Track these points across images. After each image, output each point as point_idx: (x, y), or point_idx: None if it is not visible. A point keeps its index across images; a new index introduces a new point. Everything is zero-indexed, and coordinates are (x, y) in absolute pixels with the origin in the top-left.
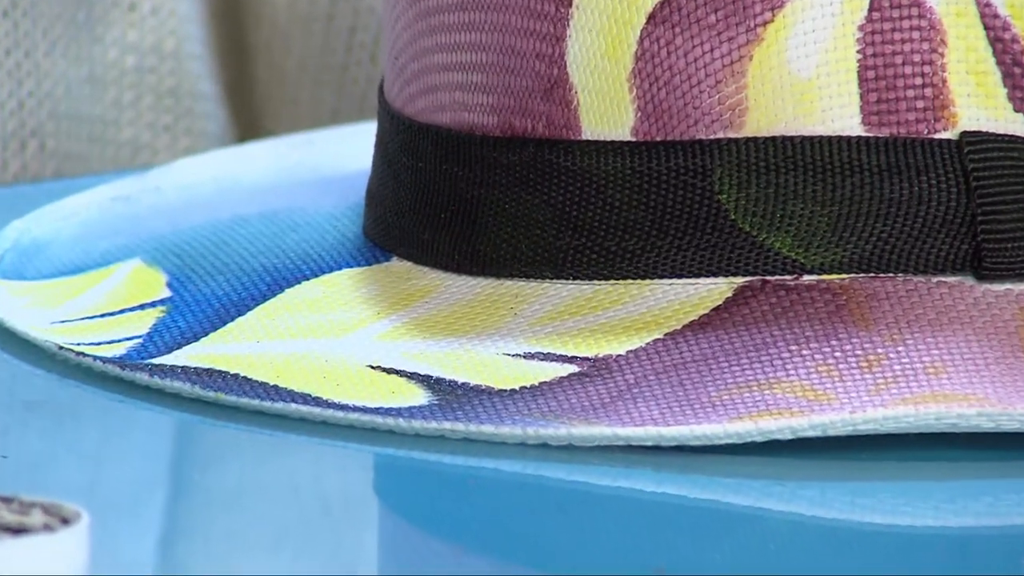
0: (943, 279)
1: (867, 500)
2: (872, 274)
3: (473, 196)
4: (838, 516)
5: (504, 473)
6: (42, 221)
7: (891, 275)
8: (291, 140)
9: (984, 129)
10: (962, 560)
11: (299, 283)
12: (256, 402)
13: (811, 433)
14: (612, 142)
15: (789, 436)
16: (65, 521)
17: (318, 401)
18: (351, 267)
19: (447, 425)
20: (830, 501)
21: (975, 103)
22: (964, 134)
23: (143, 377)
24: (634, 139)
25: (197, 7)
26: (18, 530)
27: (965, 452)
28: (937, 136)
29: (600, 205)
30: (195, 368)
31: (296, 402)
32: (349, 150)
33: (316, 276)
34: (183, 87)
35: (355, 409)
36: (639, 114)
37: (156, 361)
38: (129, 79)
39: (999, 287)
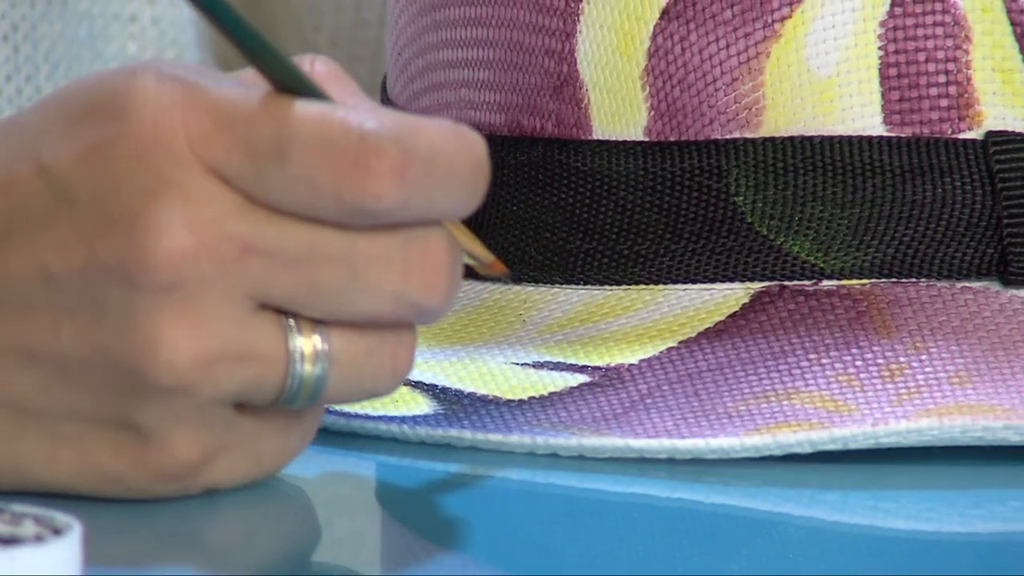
0: (968, 284)
1: (890, 505)
2: (894, 279)
3: None
4: (860, 522)
5: (512, 479)
6: None
7: (914, 280)
8: None
9: (1010, 128)
10: (990, 567)
11: None
12: None
13: (832, 447)
14: (624, 142)
15: (809, 450)
16: (57, 532)
17: None
18: None
19: (453, 432)
20: (851, 506)
21: (1001, 101)
22: (990, 134)
23: None
24: (647, 139)
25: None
26: (9, 540)
27: (990, 455)
28: (962, 136)
29: (612, 207)
30: None
31: None
32: None
33: None
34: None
35: (357, 416)
36: (652, 113)
37: None
38: None
39: None
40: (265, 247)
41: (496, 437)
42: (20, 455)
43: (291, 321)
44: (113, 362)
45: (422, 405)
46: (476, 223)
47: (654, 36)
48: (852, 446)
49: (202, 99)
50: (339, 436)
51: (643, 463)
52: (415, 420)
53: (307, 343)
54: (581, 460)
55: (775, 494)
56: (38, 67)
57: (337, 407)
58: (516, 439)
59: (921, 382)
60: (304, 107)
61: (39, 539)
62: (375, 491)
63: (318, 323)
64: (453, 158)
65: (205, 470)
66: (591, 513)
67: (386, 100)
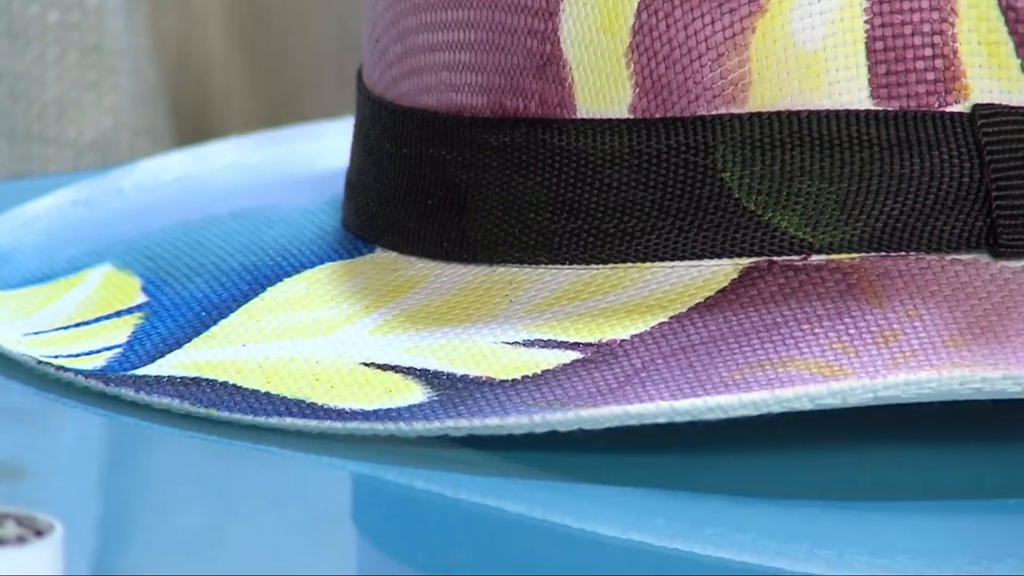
0: (957, 257)
1: (886, 562)
2: (883, 253)
3: (462, 180)
4: None
5: (508, 514)
6: (1, 229)
7: (903, 254)
8: (254, 139)
9: (997, 101)
10: None
11: (280, 280)
12: (250, 417)
13: (830, 401)
14: (609, 120)
15: (808, 406)
16: (39, 533)
17: (313, 408)
18: (333, 260)
19: (450, 423)
20: (848, 563)
21: (987, 74)
22: (976, 107)
23: (129, 393)
24: (632, 116)
25: None
26: None
27: (989, 502)
28: (948, 109)
29: (597, 186)
30: (182, 379)
31: (291, 413)
32: (314, 149)
33: (298, 272)
34: (106, 44)
35: (353, 415)
36: (637, 90)
37: (140, 372)
38: (52, 35)
39: (1016, 264)
40: None
41: (493, 421)
42: None
43: None
44: None
45: (416, 393)
46: (459, 206)
47: (638, 13)
48: (851, 401)
49: None
50: (334, 439)
51: (640, 507)
52: (411, 412)
53: None
54: (578, 497)
55: (772, 549)
56: None
57: (330, 404)
58: (513, 420)
59: (916, 346)
60: None
61: (21, 540)
62: (353, 513)
63: None
64: None
65: None
66: (585, 556)
67: (362, 88)
